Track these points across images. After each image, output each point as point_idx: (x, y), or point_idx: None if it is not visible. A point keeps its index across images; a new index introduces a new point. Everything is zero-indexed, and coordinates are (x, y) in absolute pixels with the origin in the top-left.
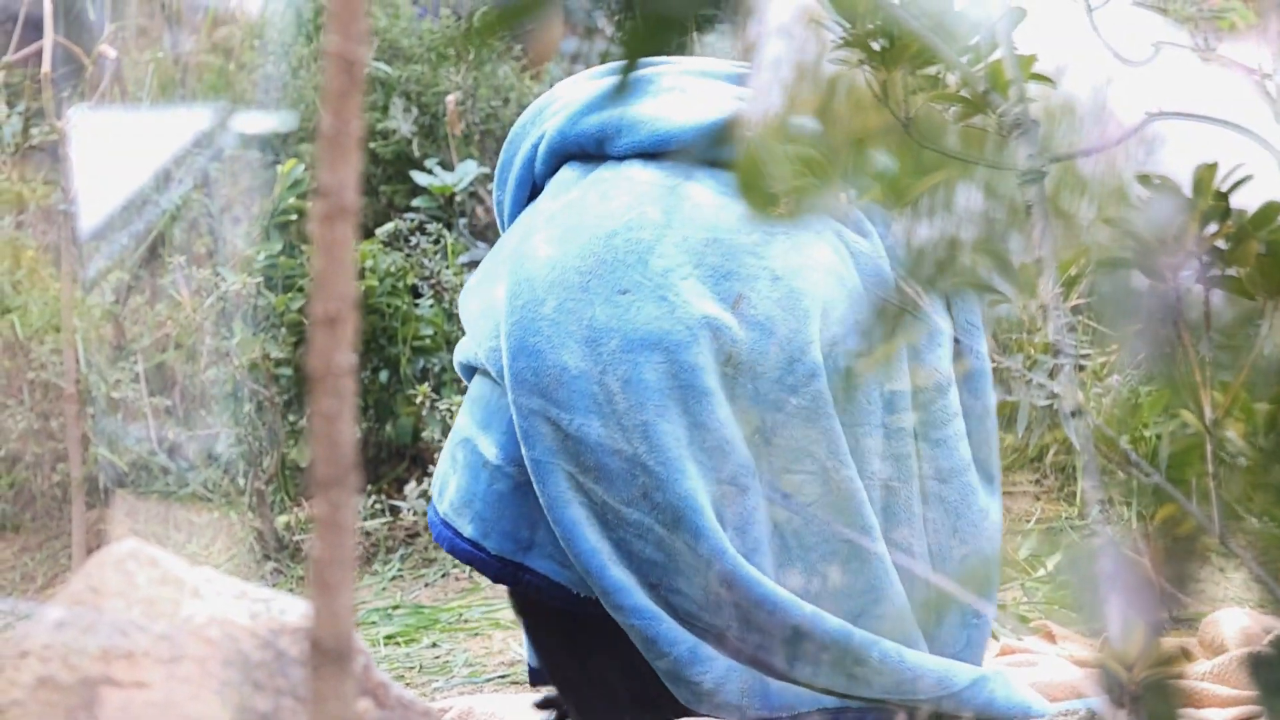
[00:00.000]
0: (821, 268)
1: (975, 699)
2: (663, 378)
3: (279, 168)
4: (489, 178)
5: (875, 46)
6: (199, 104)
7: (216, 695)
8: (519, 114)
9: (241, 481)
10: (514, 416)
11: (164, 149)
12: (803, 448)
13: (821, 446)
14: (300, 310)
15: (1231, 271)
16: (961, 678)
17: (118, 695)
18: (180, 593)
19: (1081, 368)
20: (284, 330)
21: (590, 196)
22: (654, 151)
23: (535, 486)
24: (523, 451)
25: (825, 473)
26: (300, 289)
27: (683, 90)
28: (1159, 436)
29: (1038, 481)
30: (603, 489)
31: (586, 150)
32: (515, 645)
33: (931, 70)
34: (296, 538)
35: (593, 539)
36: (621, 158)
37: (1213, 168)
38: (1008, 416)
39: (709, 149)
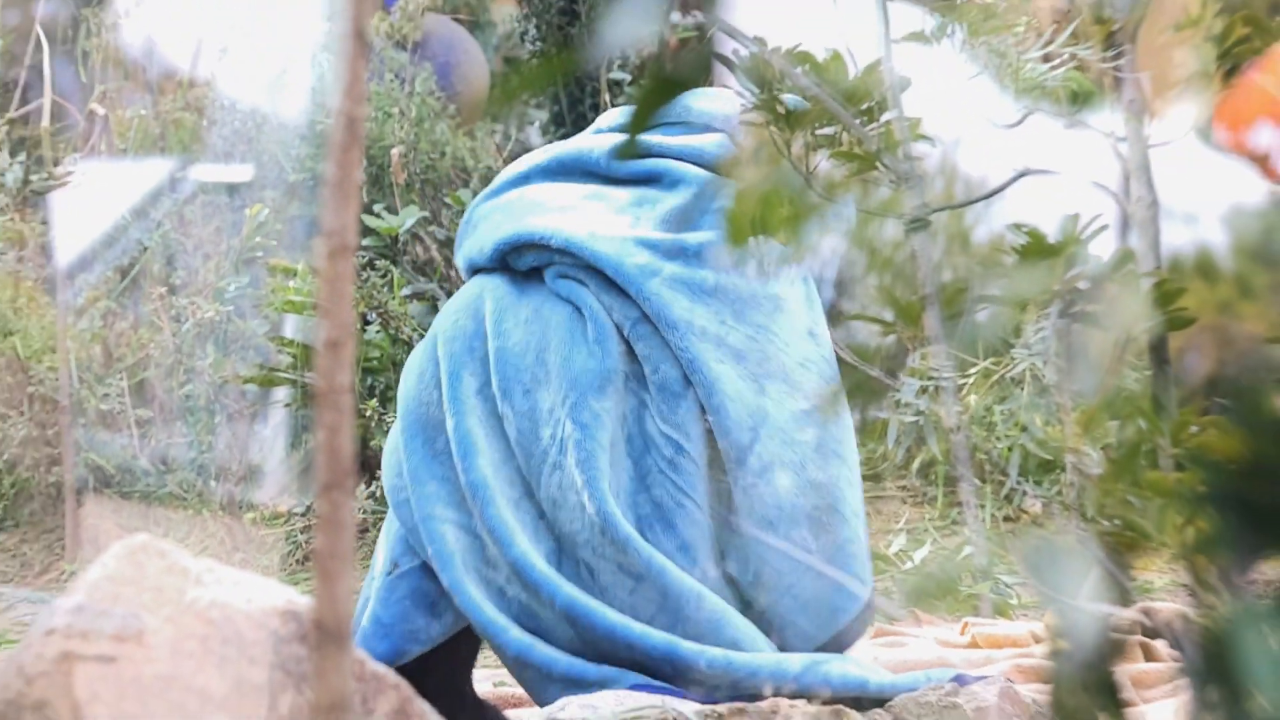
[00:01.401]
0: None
1: (812, 682)
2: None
3: (246, 211)
4: (429, 220)
5: (780, 111)
6: (174, 155)
7: (216, 669)
8: (453, 166)
9: (213, 484)
10: None
11: (144, 193)
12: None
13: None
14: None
15: (1090, 308)
16: (794, 666)
17: (130, 668)
18: (185, 581)
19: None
20: (251, 352)
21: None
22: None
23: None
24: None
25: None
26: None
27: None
28: (1010, 449)
29: (904, 487)
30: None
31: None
32: None
33: (829, 130)
34: (261, 533)
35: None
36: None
37: (1075, 218)
38: (880, 431)
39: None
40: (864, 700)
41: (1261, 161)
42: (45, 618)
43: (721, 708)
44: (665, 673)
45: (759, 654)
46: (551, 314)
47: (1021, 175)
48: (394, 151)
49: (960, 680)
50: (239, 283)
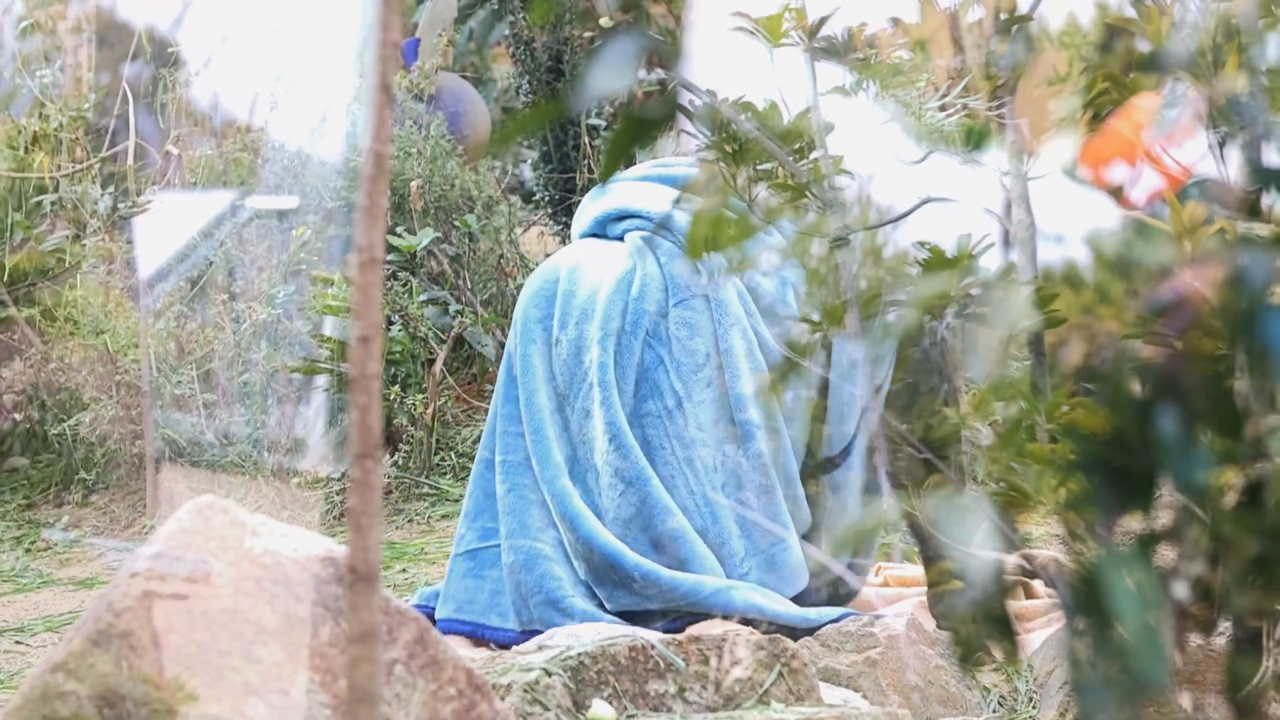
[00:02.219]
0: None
1: (716, 602)
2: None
3: (293, 232)
4: (441, 240)
5: (728, 149)
6: (234, 188)
7: (269, 605)
8: (461, 195)
9: (265, 454)
10: None
11: (210, 219)
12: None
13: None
14: (308, 332)
15: (980, 310)
16: (707, 588)
17: (200, 604)
18: (243, 532)
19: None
20: (297, 347)
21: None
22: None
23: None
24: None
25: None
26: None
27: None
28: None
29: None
30: None
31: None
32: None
33: (768, 166)
34: (304, 494)
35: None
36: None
37: (968, 237)
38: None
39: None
40: (798, 631)
41: (1117, 193)
42: (130, 562)
43: (681, 636)
44: (612, 576)
45: (684, 574)
46: (615, 265)
47: (924, 203)
48: (412, 184)
49: (851, 617)
50: (286, 291)
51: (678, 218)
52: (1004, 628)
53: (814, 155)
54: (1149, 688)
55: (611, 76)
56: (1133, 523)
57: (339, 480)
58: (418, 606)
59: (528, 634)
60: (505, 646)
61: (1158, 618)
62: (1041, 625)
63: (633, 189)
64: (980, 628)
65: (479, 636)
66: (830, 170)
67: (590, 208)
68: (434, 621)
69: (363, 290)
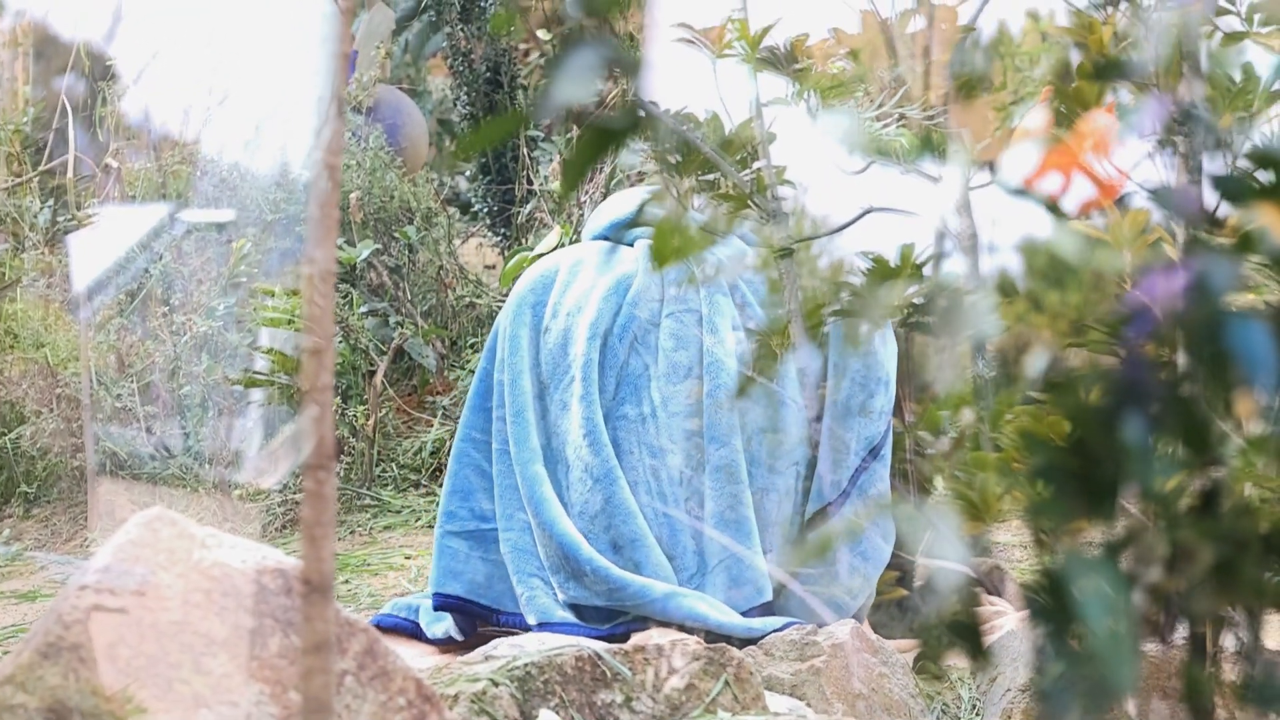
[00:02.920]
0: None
1: (661, 608)
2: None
3: (232, 244)
4: (381, 251)
5: (672, 160)
6: (172, 200)
7: (218, 617)
8: (400, 207)
9: (205, 466)
10: None
11: (148, 231)
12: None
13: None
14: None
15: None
16: (656, 593)
17: (149, 616)
18: (192, 544)
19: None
20: (237, 359)
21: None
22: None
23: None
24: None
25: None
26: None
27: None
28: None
29: None
30: None
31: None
32: (405, 583)
33: (712, 177)
34: (245, 506)
35: None
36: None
37: (911, 246)
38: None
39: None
40: (743, 640)
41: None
42: (79, 575)
43: (627, 645)
44: (566, 566)
45: (634, 576)
46: (617, 267)
47: (866, 213)
48: (352, 195)
49: (795, 625)
50: (226, 303)
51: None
52: (971, 635)
53: (757, 165)
54: (1115, 694)
55: (574, 87)
56: (1091, 530)
57: (279, 492)
58: (391, 618)
59: (544, 625)
60: (514, 630)
61: (1124, 623)
62: (985, 632)
63: (642, 198)
64: (945, 635)
65: (496, 621)
66: (773, 180)
67: (606, 211)
68: (442, 599)
69: (315, 303)
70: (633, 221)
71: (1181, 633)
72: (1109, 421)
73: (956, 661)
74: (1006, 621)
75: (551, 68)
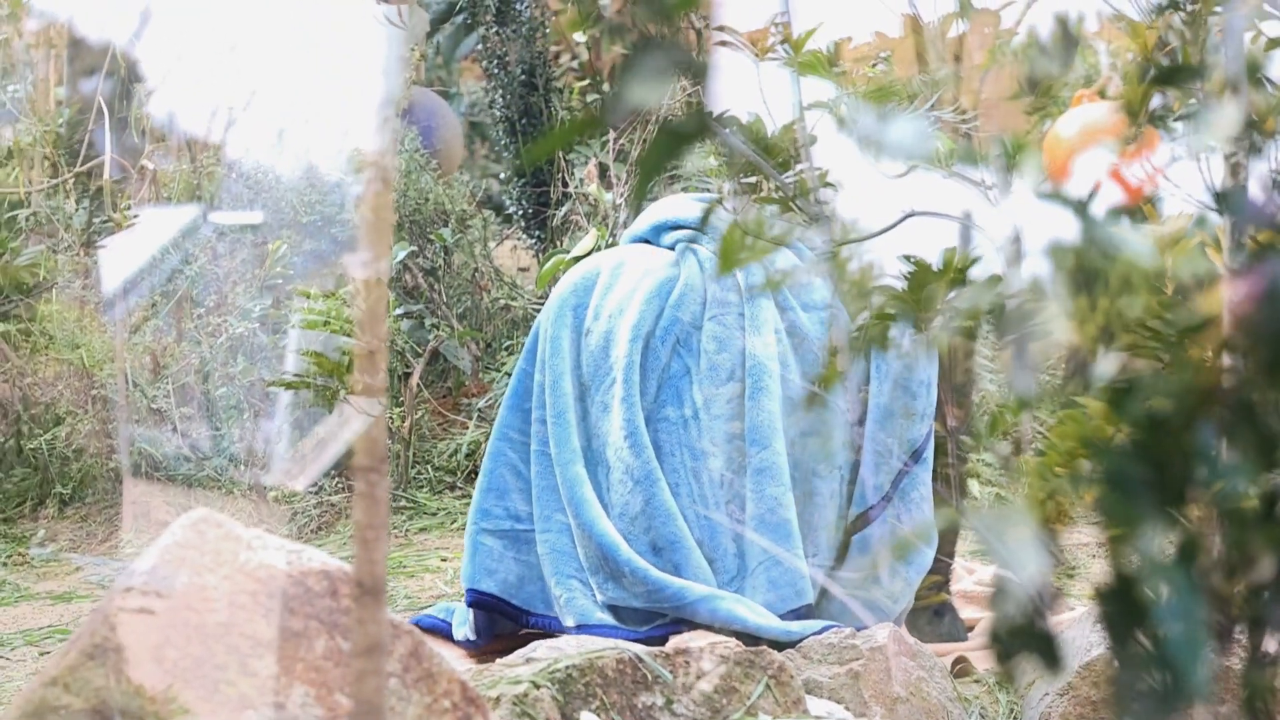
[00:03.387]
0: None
1: (699, 609)
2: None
3: (268, 245)
4: (416, 254)
5: (713, 163)
6: (206, 202)
7: (264, 618)
8: (435, 209)
9: (243, 468)
10: None
11: (183, 233)
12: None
13: (620, 420)
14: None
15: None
16: (693, 594)
17: (195, 618)
18: (238, 546)
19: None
20: (274, 360)
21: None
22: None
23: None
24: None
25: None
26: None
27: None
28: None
29: None
30: None
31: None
32: (441, 584)
33: (753, 179)
34: (280, 508)
35: None
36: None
37: (953, 250)
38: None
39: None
40: (782, 643)
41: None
42: (125, 577)
43: (668, 648)
44: (605, 567)
45: (672, 578)
46: (659, 270)
47: (908, 216)
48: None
49: (834, 629)
50: (262, 305)
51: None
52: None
53: (799, 168)
54: (1190, 698)
55: (647, 90)
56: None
57: (314, 494)
58: (429, 619)
59: (583, 627)
60: (548, 632)
61: (1197, 628)
62: (1058, 640)
63: (685, 203)
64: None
65: (525, 622)
66: (816, 183)
67: (646, 214)
68: (476, 595)
69: (369, 305)
70: (696, 224)
71: (1240, 639)
72: (1176, 427)
73: (992, 666)
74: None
75: (625, 71)
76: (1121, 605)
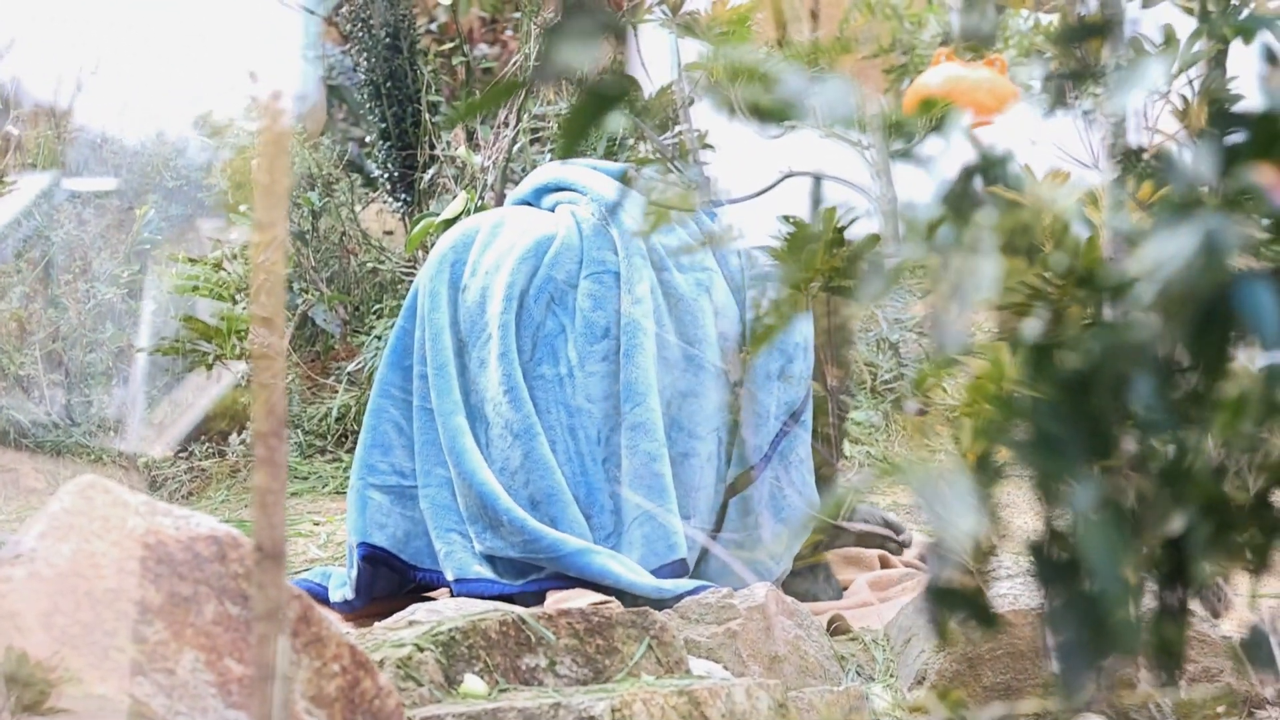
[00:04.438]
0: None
1: (574, 563)
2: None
3: (135, 210)
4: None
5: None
6: (63, 170)
7: (153, 584)
8: (301, 174)
9: (112, 434)
10: None
11: (49, 199)
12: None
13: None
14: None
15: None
16: (568, 547)
17: (84, 585)
18: (125, 512)
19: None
20: (144, 327)
21: None
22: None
23: None
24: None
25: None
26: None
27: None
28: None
29: None
30: None
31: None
32: (314, 548)
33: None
34: (151, 474)
35: None
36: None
37: (833, 210)
38: None
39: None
40: (653, 600)
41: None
42: (13, 546)
43: (551, 609)
44: (484, 517)
45: (549, 530)
46: (536, 229)
47: (786, 177)
48: (254, 163)
49: (711, 589)
50: (130, 270)
51: (607, 197)
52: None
53: (678, 129)
54: (1126, 649)
55: (575, 53)
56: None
57: (185, 459)
58: (305, 584)
59: (461, 581)
60: (432, 587)
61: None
62: (896, 594)
63: (570, 167)
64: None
65: (413, 578)
66: (695, 145)
67: (530, 178)
68: (368, 549)
69: (266, 270)
70: (555, 187)
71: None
72: (1098, 384)
73: (870, 624)
74: (919, 583)
75: (551, 33)
76: (1050, 558)
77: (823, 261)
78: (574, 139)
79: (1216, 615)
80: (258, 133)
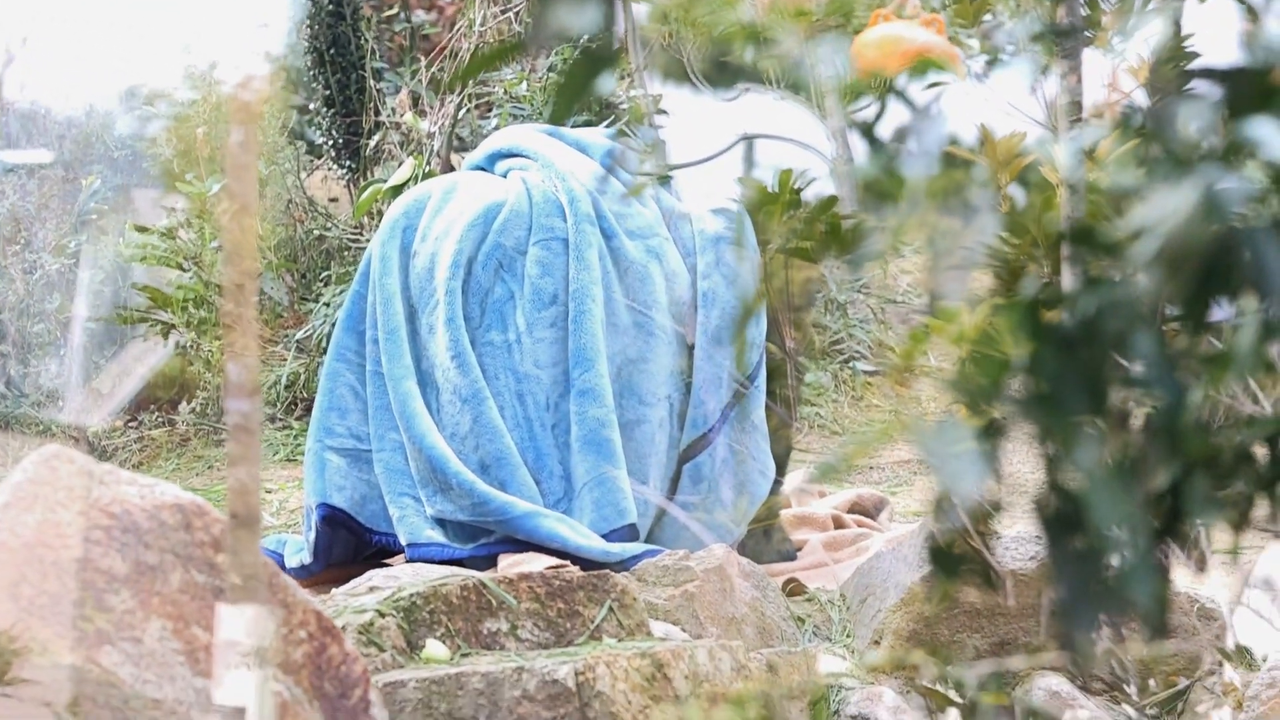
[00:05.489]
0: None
1: (523, 526)
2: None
3: (82, 181)
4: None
5: (524, 89)
6: (10, 142)
7: (119, 553)
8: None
9: (61, 404)
10: None
11: None
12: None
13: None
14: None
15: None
16: (517, 510)
17: (50, 555)
18: (90, 481)
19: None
20: (92, 296)
21: None
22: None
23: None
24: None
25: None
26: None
27: None
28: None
29: None
30: None
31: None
32: (267, 515)
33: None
34: (104, 443)
35: None
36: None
37: (789, 172)
38: None
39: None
40: (602, 564)
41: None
42: None
43: (512, 573)
44: (434, 480)
45: (498, 493)
46: (486, 196)
47: (741, 139)
48: (199, 131)
49: (667, 552)
50: (78, 240)
51: (559, 164)
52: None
53: (633, 93)
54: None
55: (573, 15)
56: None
57: (135, 429)
58: (267, 552)
59: (413, 545)
60: (388, 551)
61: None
62: (850, 555)
63: (526, 133)
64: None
65: (369, 540)
66: (650, 109)
67: (484, 144)
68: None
69: (237, 237)
70: (508, 153)
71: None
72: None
73: (825, 585)
74: (874, 543)
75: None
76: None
77: (780, 223)
78: (570, 102)
79: (1201, 569)
80: (197, 103)
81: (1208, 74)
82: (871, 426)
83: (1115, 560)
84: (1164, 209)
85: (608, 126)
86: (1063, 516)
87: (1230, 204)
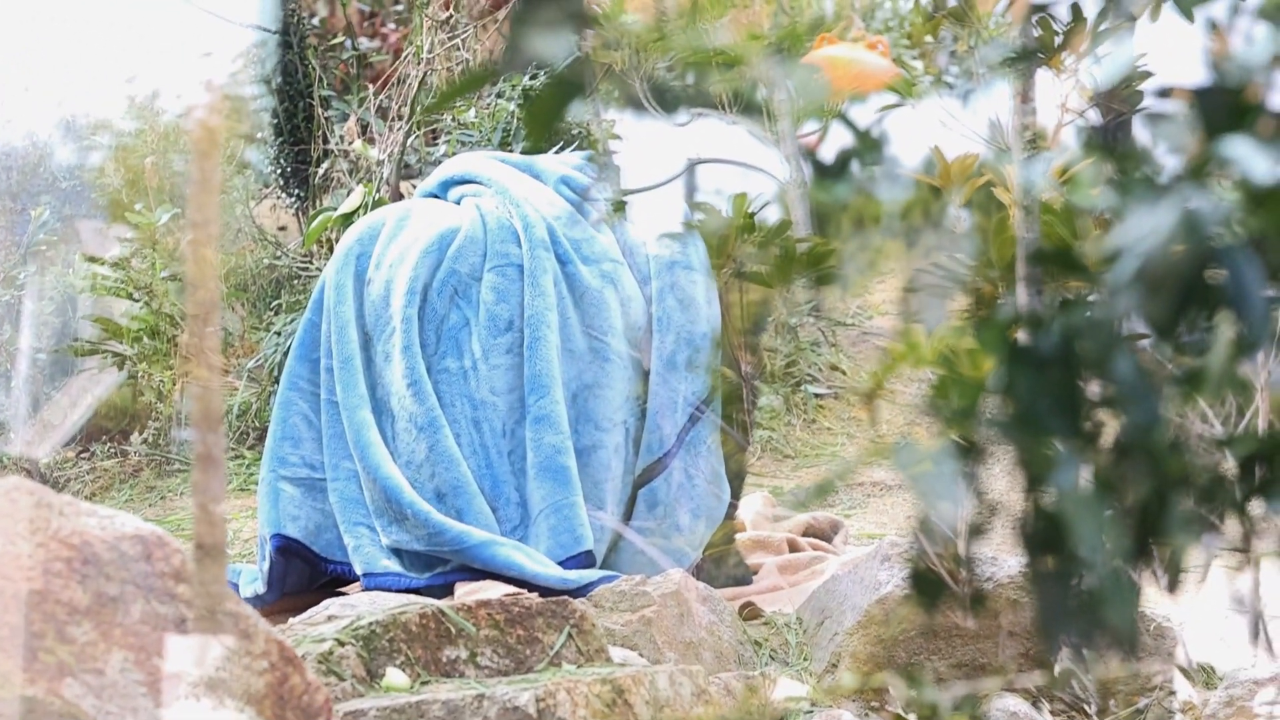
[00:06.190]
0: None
1: (479, 555)
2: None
3: (31, 212)
4: (179, 216)
5: (472, 116)
6: None
7: (79, 584)
8: (188, 165)
9: (11, 436)
10: None
11: None
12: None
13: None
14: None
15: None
16: (473, 539)
17: (10, 586)
18: (50, 513)
19: None
20: (43, 327)
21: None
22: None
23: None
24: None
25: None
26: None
27: None
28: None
29: None
30: None
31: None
32: None
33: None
34: (55, 475)
35: None
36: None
37: (744, 196)
38: None
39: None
40: (558, 591)
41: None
42: None
43: (470, 600)
44: (389, 510)
45: (454, 522)
46: (440, 222)
47: (693, 165)
48: (147, 161)
49: (624, 577)
50: (27, 271)
51: (513, 190)
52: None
53: (587, 119)
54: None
55: (546, 42)
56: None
57: (88, 460)
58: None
59: (369, 575)
60: (343, 580)
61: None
62: (806, 578)
63: (479, 159)
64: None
65: (325, 570)
66: (603, 135)
67: (437, 171)
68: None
69: (198, 266)
70: (461, 180)
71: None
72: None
73: (781, 608)
74: (829, 566)
75: (518, 21)
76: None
77: (734, 247)
78: (542, 129)
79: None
80: (143, 132)
81: (1175, 93)
82: (824, 449)
83: (1089, 580)
84: (1141, 229)
85: (557, 152)
86: (1039, 536)
87: (1207, 223)
